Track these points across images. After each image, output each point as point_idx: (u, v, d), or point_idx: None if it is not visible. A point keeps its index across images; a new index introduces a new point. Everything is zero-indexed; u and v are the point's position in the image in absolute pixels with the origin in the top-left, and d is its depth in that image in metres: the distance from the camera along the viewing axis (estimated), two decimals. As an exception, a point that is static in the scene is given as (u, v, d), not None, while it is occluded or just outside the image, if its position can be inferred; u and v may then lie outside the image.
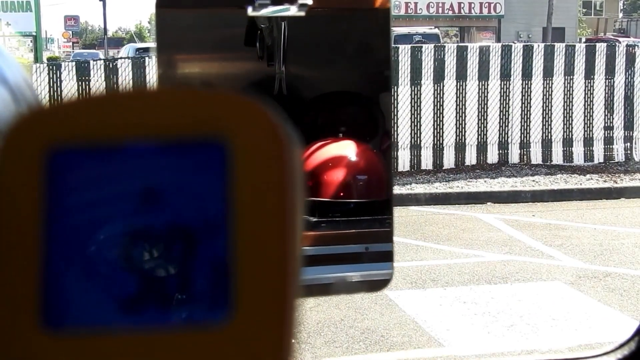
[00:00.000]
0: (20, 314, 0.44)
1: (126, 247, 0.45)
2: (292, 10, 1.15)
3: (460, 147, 12.72)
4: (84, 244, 0.44)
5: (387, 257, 1.25)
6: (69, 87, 11.11)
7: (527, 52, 12.86)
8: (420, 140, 12.53)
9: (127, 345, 0.44)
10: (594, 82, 13.06)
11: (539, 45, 13.32)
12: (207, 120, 0.44)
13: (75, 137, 0.45)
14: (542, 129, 13.02)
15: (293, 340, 0.44)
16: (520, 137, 12.97)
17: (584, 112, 13.10)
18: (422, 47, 12.86)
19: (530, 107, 12.90)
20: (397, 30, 27.80)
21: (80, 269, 0.44)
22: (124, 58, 12.55)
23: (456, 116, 12.61)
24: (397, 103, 12.09)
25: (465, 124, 12.66)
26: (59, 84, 11.06)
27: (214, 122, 0.44)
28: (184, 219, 0.44)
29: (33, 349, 0.44)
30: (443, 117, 12.55)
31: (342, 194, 1.34)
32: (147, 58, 11.70)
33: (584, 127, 13.15)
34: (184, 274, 0.44)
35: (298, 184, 0.45)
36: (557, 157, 13.09)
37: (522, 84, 12.85)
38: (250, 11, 1.16)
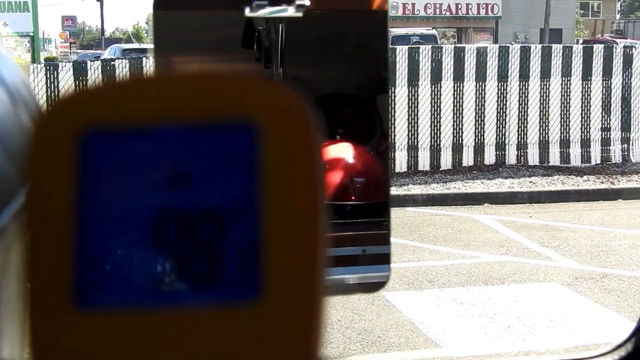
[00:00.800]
0: (55, 294, 0.44)
1: (158, 228, 0.45)
2: (290, 11, 1.15)
3: (457, 148, 12.72)
4: (116, 225, 0.45)
5: (384, 259, 1.25)
6: (67, 88, 11.09)
7: (525, 54, 12.87)
8: (418, 141, 12.53)
9: (158, 323, 0.44)
10: (591, 84, 13.07)
11: (536, 47, 13.33)
12: (237, 104, 0.45)
13: (107, 120, 0.45)
14: (540, 130, 13.02)
15: (320, 329, 0.44)
16: (518, 138, 12.98)
17: (581, 114, 13.11)
18: (419, 48, 12.86)
19: (527, 108, 12.91)
20: (395, 31, 27.81)
21: (112, 250, 0.45)
22: (122, 59, 12.52)
23: (453, 117, 12.61)
24: (395, 104, 12.09)
25: (462, 125, 12.67)
26: (56, 85, 11.04)
27: (244, 106, 0.45)
28: (214, 202, 0.45)
29: (66, 327, 0.44)
30: (440, 118, 12.56)
31: (339, 196, 1.34)
32: (144, 58, 11.69)
33: (581, 129, 13.16)
34: (214, 255, 0.45)
35: (322, 170, 0.45)
36: (554, 159, 13.10)
37: (519, 85, 12.86)
38: (247, 12, 1.16)
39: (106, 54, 35.04)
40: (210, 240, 0.45)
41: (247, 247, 0.44)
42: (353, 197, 1.35)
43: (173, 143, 0.45)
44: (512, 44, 14.78)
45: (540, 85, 12.92)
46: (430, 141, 12.59)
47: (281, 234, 0.44)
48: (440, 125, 12.59)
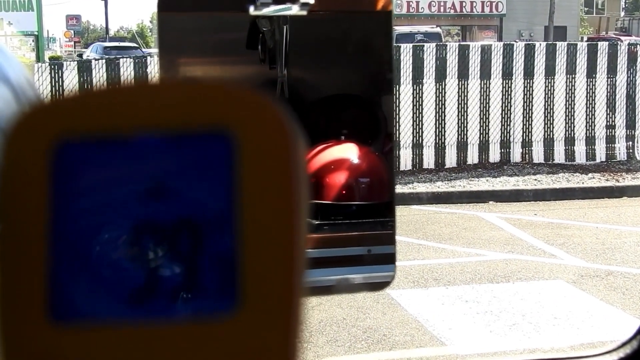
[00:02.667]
0: (29, 308, 0.44)
1: (133, 240, 0.45)
2: (294, 10, 1.16)
3: (462, 146, 12.71)
4: (91, 237, 0.45)
5: (389, 259, 1.25)
6: (71, 87, 11.11)
7: (529, 51, 12.85)
8: (422, 139, 12.52)
9: (135, 337, 0.44)
10: (595, 81, 13.05)
11: (540, 44, 13.31)
12: (213, 113, 0.44)
13: (81, 130, 0.45)
14: (544, 127, 13.01)
15: (298, 337, 0.44)
16: (522, 135, 12.96)
17: (586, 111, 13.09)
18: (423, 46, 12.85)
19: (532, 105, 12.89)
20: (399, 29, 27.78)
21: (87, 262, 0.44)
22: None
23: (458, 115, 12.60)
24: (399, 102, 12.08)
25: (467, 122, 12.66)
26: (60, 84, 11.06)
27: (221, 115, 0.44)
28: (190, 212, 0.45)
29: (41, 342, 0.44)
30: (445, 116, 12.55)
31: (344, 196, 1.34)
32: (148, 57, 11.70)
33: (586, 126, 13.14)
34: (191, 266, 0.44)
35: (303, 178, 0.45)
36: (559, 156, 13.08)
37: (524, 83, 12.84)
38: (252, 10, 1.16)
39: (88, 51, 35.08)
40: (187, 251, 0.44)
41: (224, 258, 0.44)
42: (358, 198, 1.36)
43: (149, 152, 0.45)
44: (517, 42, 14.76)
45: (545, 82, 12.90)
46: (435, 139, 12.58)
47: (258, 244, 0.44)
48: (444, 123, 12.58)
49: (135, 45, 37.70)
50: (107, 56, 24.82)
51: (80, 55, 35.33)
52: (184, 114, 0.44)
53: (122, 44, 38.38)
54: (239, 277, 0.44)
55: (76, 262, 0.44)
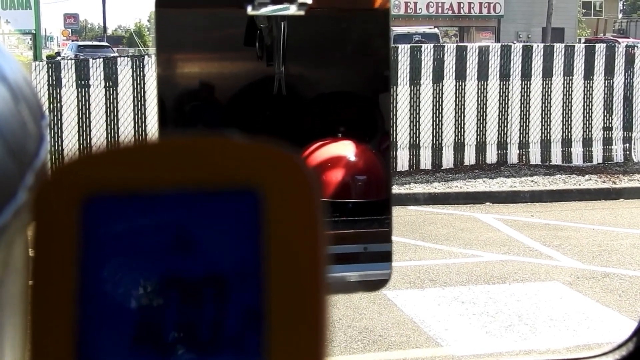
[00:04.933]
0: (57, 354, 0.45)
1: (160, 295, 0.45)
2: (292, 9, 1.15)
3: (459, 147, 12.72)
4: (118, 288, 0.45)
5: (385, 257, 1.25)
6: (68, 86, 11.10)
7: (527, 53, 12.86)
8: (419, 140, 12.53)
9: None
10: (593, 83, 13.07)
11: (538, 46, 13.32)
12: (240, 170, 0.45)
13: (110, 185, 0.46)
14: (541, 129, 13.02)
15: None
16: (519, 137, 12.97)
17: (583, 113, 13.11)
18: (421, 46, 12.86)
19: (529, 107, 12.90)
20: (397, 29, 27.80)
21: (115, 316, 0.45)
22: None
23: (455, 116, 12.61)
24: (397, 103, 12.09)
25: (464, 123, 12.67)
26: (58, 83, 11.05)
27: (247, 172, 0.45)
28: (217, 267, 0.45)
29: None
30: (442, 116, 12.56)
31: (340, 194, 1.34)
32: (146, 56, 11.69)
33: (583, 128, 13.15)
34: (217, 321, 0.45)
35: (325, 233, 0.46)
36: (556, 158, 13.10)
37: (521, 84, 12.85)
38: (249, 10, 1.16)
39: (66, 49, 38.11)
40: (213, 304, 0.45)
41: (250, 313, 0.45)
42: (354, 195, 1.35)
43: (177, 208, 0.46)
44: (514, 43, 14.77)
45: (542, 84, 12.92)
46: (432, 140, 12.59)
47: (284, 300, 0.44)
48: (442, 124, 12.59)
49: (107, 44, 40.60)
50: (80, 54, 29.30)
51: (59, 53, 37.40)
52: (211, 171, 0.45)
53: (94, 43, 42.12)
54: (265, 332, 0.44)
55: (104, 316, 0.45)
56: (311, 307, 0.45)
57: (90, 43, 40.76)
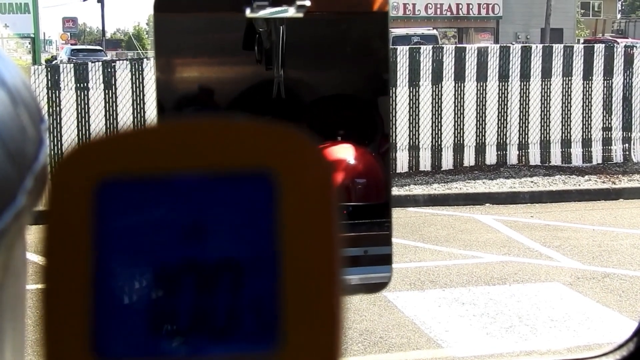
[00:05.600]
0: (72, 345, 0.45)
1: (174, 279, 0.45)
2: (291, 12, 1.15)
3: (458, 148, 12.72)
4: (133, 275, 0.45)
5: (386, 260, 1.25)
6: (67, 90, 11.11)
7: (526, 53, 12.87)
8: (419, 142, 12.53)
9: None
10: (592, 83, 13.08)
11: (537, 47, 13.33)
12: (254, 153, 0.45)
13: (123, 169, 0.45)
14: (541, 130, 13.02)
15: None
16: (519, 138, 12.98)
17: (582, 113, 13.11)
18: (420, 48, 12.86)
19: (528, 108, 12.91)
20: (395, 31, 27.82)
21: (130, 300, 0.45)
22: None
23: (454, 117, 12.62)
24: (396, 104, 12.09)
25: (463, 125, 12.67)
26: (57, 86, 11.05)
27: (261, 156, 0.45)
28: (232, 252, 0.45)
29: None
30: (441, 118, 12.56)
31: (340, 197, 1.34)
32: (145, 60, 11.70)
33: (583, 128, 13.16)
34: (232, 306, 0.45)
35: (339, 218, 0.45)
36: (556, 158, 13.10)
37: (520, 85, 12.86)
38: (248, 12, 1.16)
39: (62, 53, 39.22)
40: (228, 291, 0.45)
41: (266, 298, 0.44)
42: (354, 199, 1.36)
43: (190, 192, 0.45)
44: (513, 44, 14.78)
45: (541, 85, 12.92)
46: (432, 141, 12.59)
47: (299, 284, 0.44)
48: (441, 126, 12.59)
49: (100, 48, 41.92)
50: (73, 57, 30.88)
51: (54, 57, 38.46)
52: (225, 154, 0.45)
53: (87, 47, 43.72)
54: (280, 318, 0.44)
55: (119, 300, 0.45)
56: (326, 295, 0.44)
57: (83, 47, 41.85)
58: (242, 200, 0.45)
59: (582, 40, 38.34)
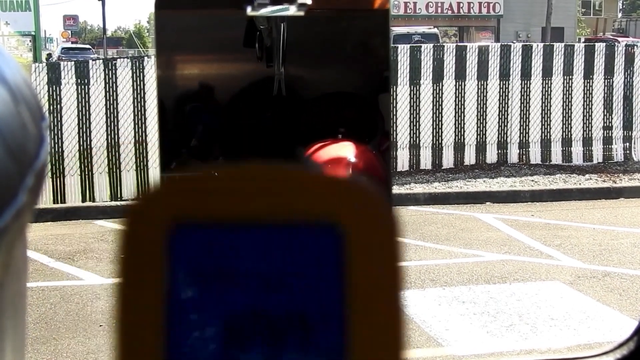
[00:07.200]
0: None
1: (244, 330, 0.45)
2: (292, 10, 1.15)
3: (459, 147, 12.72)
4: (204, 322, 0.45)
5: None
6: (68, 87, 11.10)
7: (526, 52, 12.86)
8: (420, 140, 12.53)
9: None
10: (593, 82, 13.07)
11: (538, 45, 13.32)
12: (323, 205, 0.45)
13: (197, 214, 0.46)
14: (541, 128, 13.02)
15: None
16: (520, 137, 12.97)
17: (583, 112, 13.11)
18: (421, 46, 12.86)
19: (529, 107, 12.90)
20: (396, 29, 27.80)
21: (199, 346, 0.45)
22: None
23: (455, 116, 12.61)
24: (396, 103, 12.09)
25: (464, 123, 12.67)
26: (57, 84, 11.05)
27: (331, 208, 0.45)
28: (301, 306, 0.45)
29: None
30: (442, 116, 12.56)
31: None
32: (146, 58, 11.69)
33: (583, 127, 13.15)
34: (299, 358, 0.45)
35: (404, 272, 0.46)
36: (556, 157, 13.10)
37: (521, 84, 12.86)
38: (249, 11, 1.15)
39: (57, 51, 40.96)
40: (297, 345, 0.45)
41: (332, 352, 0.44)
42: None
43: (262, 241, 0.45)
44: (514, 43, 14.77)
45: (542, 83, 12.92)
46: (432, 140, 12.59)
47: (366, 339, 0.44)
48: (442, 124, 12.59)
49: (89, 47, 44.29)
50: (64, 55, 32.68)
51: (50, 55, 39.72)
52: (297, 205, 0.45)
53: (77, 45, 46.14)
54: None
55: (189, 346, 0.45)
56: (392, 346, 0.44)
57: (73, 46, 44.04)
58: (312, 254, 0.45)
59: (582, 39, 38.32)
